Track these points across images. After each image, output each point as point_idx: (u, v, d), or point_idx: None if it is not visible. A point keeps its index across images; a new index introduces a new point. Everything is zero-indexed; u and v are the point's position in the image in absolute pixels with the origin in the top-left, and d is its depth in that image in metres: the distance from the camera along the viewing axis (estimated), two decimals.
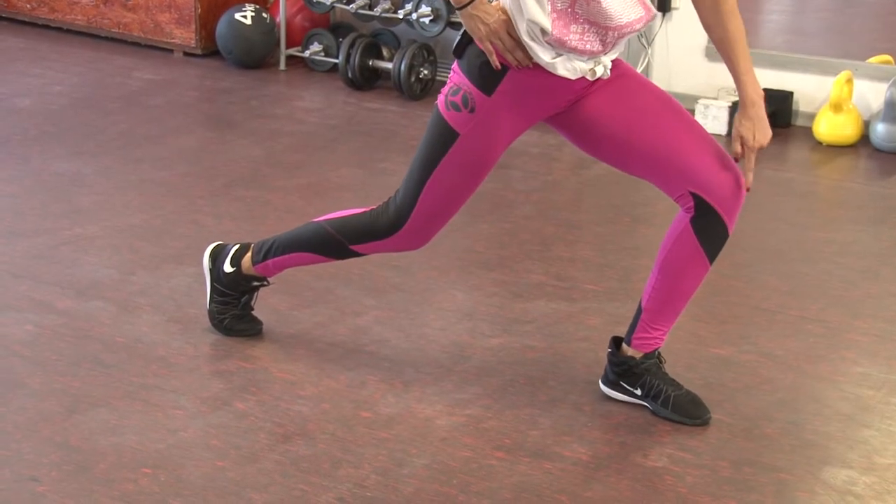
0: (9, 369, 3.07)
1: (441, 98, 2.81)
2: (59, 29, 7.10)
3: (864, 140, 5.35)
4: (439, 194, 2.87)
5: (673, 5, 5.72)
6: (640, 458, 2.76)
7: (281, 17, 6.44)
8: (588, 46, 2.65)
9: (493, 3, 2.68)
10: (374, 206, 3.01)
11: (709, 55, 5.75)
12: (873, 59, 5.67)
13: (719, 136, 5.42)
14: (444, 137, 2.81)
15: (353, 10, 6.20)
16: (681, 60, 5.82)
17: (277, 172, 4.77)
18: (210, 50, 6.65)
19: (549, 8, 2.60)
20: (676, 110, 2.84)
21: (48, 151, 4.91)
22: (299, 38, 6.56)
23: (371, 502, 2.55)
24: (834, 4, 9.07)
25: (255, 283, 3.24)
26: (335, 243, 3.05)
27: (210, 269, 3.27)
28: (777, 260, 4.02)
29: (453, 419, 2.90)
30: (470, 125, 2.77)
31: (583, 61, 2.69)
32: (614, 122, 2.79)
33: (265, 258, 3.17)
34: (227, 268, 3.23)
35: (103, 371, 3.08)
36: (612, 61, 2.78)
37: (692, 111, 5.57)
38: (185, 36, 6.63)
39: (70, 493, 2.54)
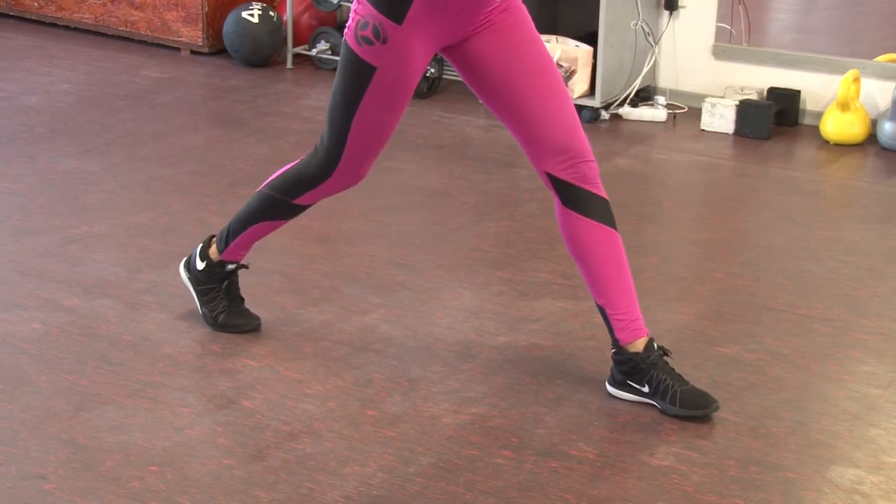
0: (15, 367, 3.07)
1: (349, 34, 2.80)
2: (66, 27, 7.11)
3: (872, 139, 5.34)
4: (366, 130, 2.89)
5: (679, 4, 5.71)
6: (647, 457, 2.76)
7: (288, 16, 6.44)
8: None
9: None
10: (302, 157, 3.04)
11: (715, 54, 5.74)
12: (881, 58, 5.65)
13: (726, 134, 5.42)
14: (360, 74, 2.82)
15: None
16: (687, 59, 5.81)
17: None
18: (217, 48, 6.65)
19: None
20: (551, 76, 2.89)
21: (55, 149, 4.92)
22: (306, 36, 6.56)
23: (377, 500, 2.55)
24: (841, 3, 9.05)
25: (230, 268, 3.28)
26: (278, 203, 3.10)
27: (189, 278, 3.33)
28: (783, 258, 4.01)
29: (460, 417, 2.90)
30: (385, 57, 2.78)
31: None
32: (495, 67, 2.85)
33: (227, 243, 3.23)
34: (199, 265, 3.30)
35: (110, 369, 3.08)
36: (514, 3, 2.85)
37: (699, 110, 5.58)
38: (192, 34, 6.63)
39: (77, 491, 2.54)
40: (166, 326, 3.33)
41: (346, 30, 2.82)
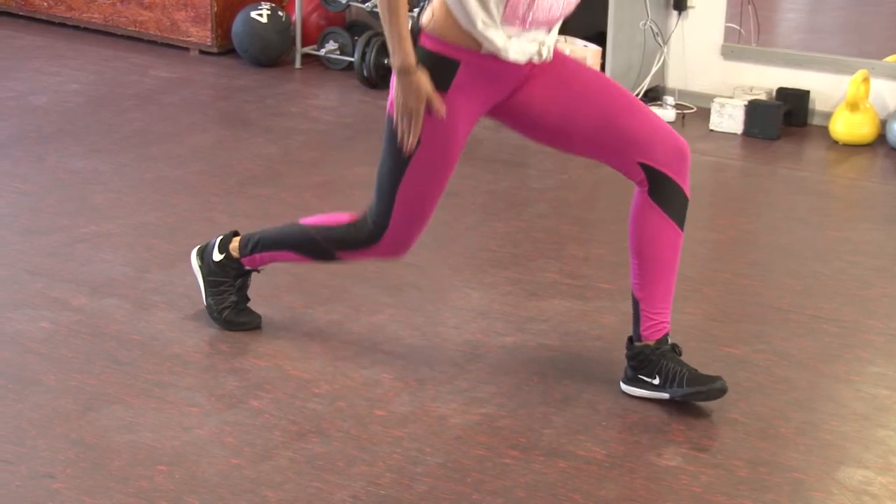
0: (24, 366, 3.08)
1: (392, 108, 2.80)
2: (75, 27, 7.13)
3: (881, 139, 5.33)
4: (412, 199, 2.89)
5: (688, 4, 5.70)
6: (655, 458, 2.76)
7: (297, 16, 6.44)
8: (537, 15, 2.71)
9: (428, 11, 2.75)
10: (355, 217, 3.03)
11: (724, 54, 5.74)
12: (890, 58, 5.64)
13: (735, 134, 5.41)
14: None
15: (368, 9, 6.20)
16: (696, 59, 5.81)
17: (292, 171, 4.77)
18: (226, 48, 6.66)
19: None
20: (612, 87, 2.90)
21: (64, 149, 4.93)
22: (315, 36, 6.56)
23: (385, 500, 2.55)
24: (850, 3, 9.03)
25: (248, 268, 3.29)
26: (322, 250, 3.10)
27: (200, 266, 3.32)
28: (792, 259, 4.00)
29: (467, 417, 2.90)
30: (429, 126, 2.77)
31: (529, 43, 2.75)
32: (555, 104, 2.85)
33: (252, 252, 3.22)
34: (217, 256, 3.28)
35: (118, 368, 3.09)
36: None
37: (708, 110, 5.57)
38: (201, 34, 6.64)
39: (85, 490, 2.55)
40: (174, 326, 3.34)
41: (388, 104, 2.82)
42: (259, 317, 3.33)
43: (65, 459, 2.66)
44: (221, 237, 3.30)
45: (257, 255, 3.21)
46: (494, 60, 2.75)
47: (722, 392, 2.90)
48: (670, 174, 2.86)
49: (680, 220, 2.90)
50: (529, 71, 2.83)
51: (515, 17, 2.70)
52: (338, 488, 2.59)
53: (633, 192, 2.91)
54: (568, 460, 2.73)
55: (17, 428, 2.79)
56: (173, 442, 2.74)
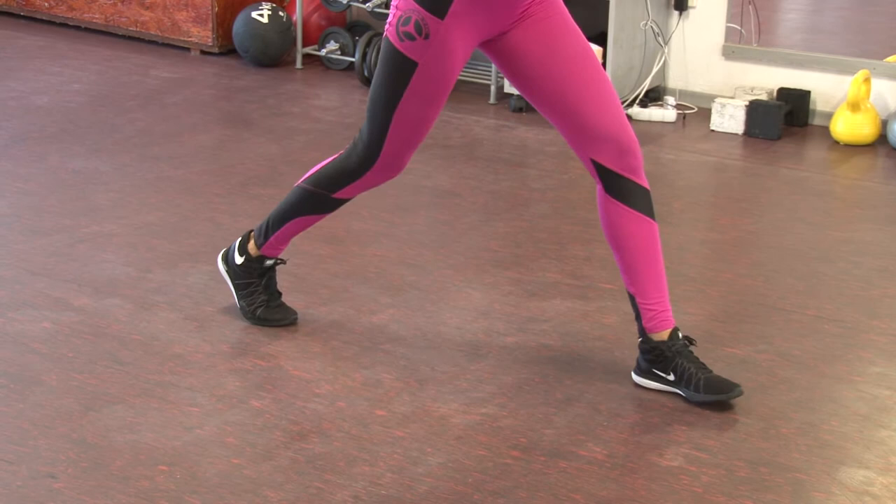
0: (26, 366, 3.08)
1: (391, 30, 2.81)
2: (76, 27, 7.13)
3: (882, 139, 5.32)
4: (407, 124, 2.90)
5: (689, 4, 5.70)
6: (656, 458, 2.76)
7: (297, 16, 6.44)
8: None
9: None
10: (341, 152, 3.06)
11: (725, 54, 5.73)
12: (891, 59, 5.64)
13: (736, 134, 5.41)
14: (402, 70, 2.82)
15: (369, 9, 6.20)
16: (697, 59, 5.81)
17: (294, 170, 4.77)
18: (227, 48, 6.66)
19: None
20: (592, 69, 2.90)
21: (66, 149, 4.93)
22: (315, 36, 6.57)
23: (386, 500, 2.55)
24: (852, 3, 9.03)
25: (269, 263, 3.31)
26: (318, 197, 3.11)
27: (227, 271, 3.35)
28: (794, 259, 4.00)
29: (469, 418, 2.90)
30: (427, 52, 2.79)
31: None
32: (534, 58, 2.86)
33: (266, 238, 3.25)
34: (238, 259, 3.32)
35: (120, 368, 3.09)
36: None
37: (709, 110, 5.57)
38: (202, 34, 6.64)
39: (86, 490, 2.55)
40: (176, 326, 3.34)
41: (386, 25, 2.83)
42: (294, 311, 3.36)
43: (66, 459, 2.66)
44: (239, 240, 3.33)
45: (272, 238, 3.24)
46: None
47: (738, 396, 2.95)
48: (621, 172, 2.89)
49: (645, 210, 2.93)
50: (526, 8, 2.83)
51: None
52: (339, 488, 2.59)
53: None
54: (569, 460, 2.73)
55: (19, 428, 2.79)
56: (174, 442, 2.74)
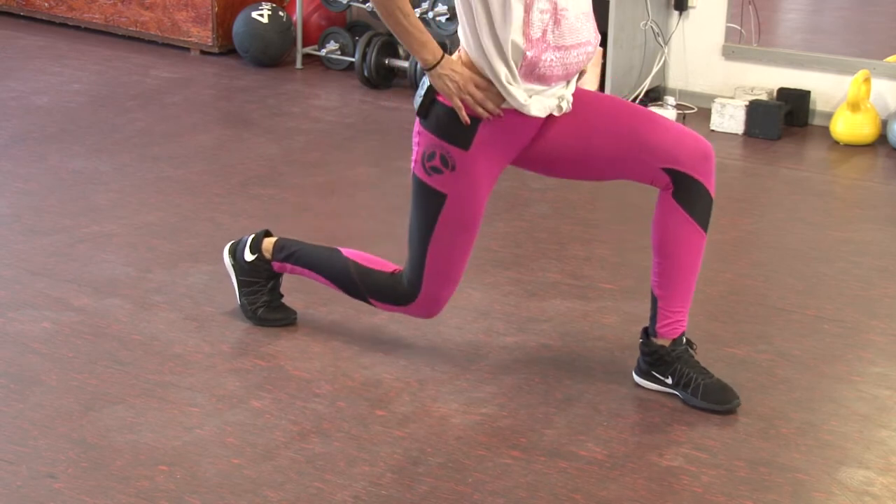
0: (26, 366, 3.08)
1: (417, 166, 2.84)
2: (76, 27, 7.13)
3: (882, 139, 5.32)
4: (442, 255, 2.93)
5: (689, 4, 5.70)
6: (656, 458, 2.76)
7: (297, 16, 6.44)
8: (555, 72, 2.72)
9: (455, 59, 2.76)
10: (398, 270, 3.07)
11: (725, 54, 5.73)
12: (891, 59, 5.64)
13: (736, 134, 5.41)
14: (432, 203, 2.85)
15: (369, 9, 6.20)
16: (697, 59, 5.81)
17: (294, 171, 4.77)
18: (227, 48, 6.66)
19: (525, 38, 2.66)
20: (627, 106, 2.91)
21: (66, 149, 4.93)
22: (316, 36, 6.57)
23: (386, 500, 2.55)
24: (852, 3, 9.03)
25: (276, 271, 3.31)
26: (356, 289, 3.13)
27: (233, 265, 3.33)
28: (794, 259, 4.00)
29: (468, 418, 2.90)
30: (455, 184, 2.82)
31: (549, 98, 2.77)
32: (573, 139, 2.86)
33: (285, 261, 3.25)
34: (248, 256, 3.30)
35: (120, 368, 3.09)
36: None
37: (709, 110, 5.57)
38: (202, 34, 6.64)
39: (86, 490, 2.55)
40: (176, 326, 3.34)
41: (412, 163, 2.85)
42: (294, 312, 3.36)
43: (66, 459, 2.66)
44: (253, 236, 3.31)
45: (288, 265, 3.24)
46: (516, 115, 2.77)
47: (735, 408, 2.94)
48: (695, 175, 2.85)
49: (703, 222, 2.90)
50: (546, 119, 2.84)
51: (532, 75, 2.70)
52: (339, 488, 2.59)
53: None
54: (569, 460, 2.73)
55: (19, 428, 2.79)
56: (174, 442, 2.75)
